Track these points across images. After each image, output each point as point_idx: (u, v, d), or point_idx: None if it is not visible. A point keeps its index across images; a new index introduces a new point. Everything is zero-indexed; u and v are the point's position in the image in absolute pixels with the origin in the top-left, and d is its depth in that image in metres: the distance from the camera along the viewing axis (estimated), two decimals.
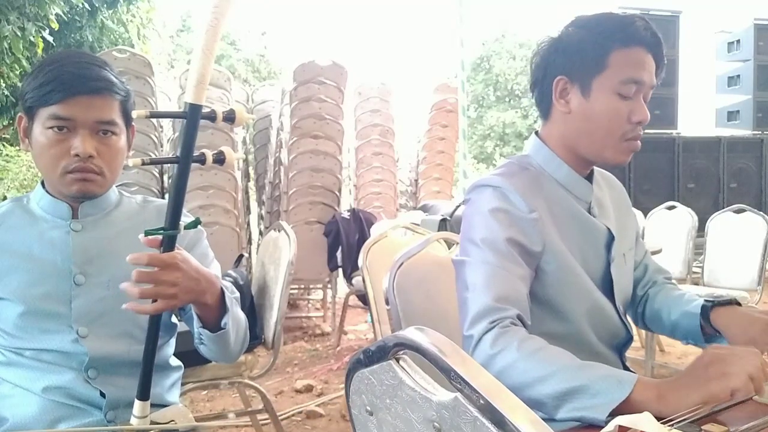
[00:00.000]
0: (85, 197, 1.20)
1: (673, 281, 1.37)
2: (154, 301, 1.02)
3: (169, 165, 1.29)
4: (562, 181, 1.18)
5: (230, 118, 1.00)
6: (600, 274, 1.18)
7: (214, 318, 1.14)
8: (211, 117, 0.99)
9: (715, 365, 0.85)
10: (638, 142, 1.14)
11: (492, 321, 0.98)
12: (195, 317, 1.14)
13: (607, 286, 1.18)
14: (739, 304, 1.17)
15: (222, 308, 1.14)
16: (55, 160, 1.15)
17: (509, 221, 1.08)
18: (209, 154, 1.00)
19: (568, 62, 1.14)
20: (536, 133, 1.23)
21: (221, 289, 1.14)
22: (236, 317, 1.19)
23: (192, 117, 0.96)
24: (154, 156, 3.89)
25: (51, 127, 1.14)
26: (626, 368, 1.21)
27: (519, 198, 1.09)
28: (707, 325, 1.17)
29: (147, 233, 1.01)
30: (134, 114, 0.92)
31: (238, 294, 1.31)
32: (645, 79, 1.11)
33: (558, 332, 1.11)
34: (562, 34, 1.16)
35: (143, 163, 0.97)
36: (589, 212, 1.19)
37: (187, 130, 0.97)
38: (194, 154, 0.99)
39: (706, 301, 1.18)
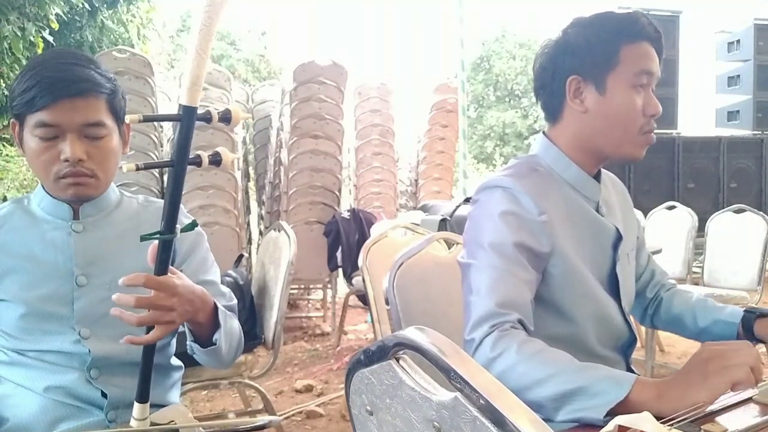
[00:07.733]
0: (81, 200, 1.19)
1: (673, 281, 1.41)
2: (150, 328, 1.02)
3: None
4: (571, 181, 1.17)
5: (226, 118, 0.97)
6: (606, 274, 1.18)
7: (206, 333, 1.14)
8: (207, 118, 0.95)
9: (715, 360, 0.85)
10: (653, 135, 1.16)
11: (493, 325, 0.99)
12: (187, 331, 1.15)
13: (612, 286, 1.18)
14: None
15: (215, 324, 1.14)
16: (47, 166, 1.14)
17: (518, 225, 1.07)
18: (205, 156, 0.97)
19: (579, 62, 1.14)
20: (544, 133, 1.23)
21: (215, 305, 1.14)
22: (229, 331, 1.18)
23: (187, 119, 0.93)
24: (154, 157, 3.88)
25: (39, 134, 1.13)
26: (631, 371, 1.21)
27: (529, 200, 1.09)
28: (746, 334, 1.19)
29: (143, 238, 0.98)
30: (127, 119, 0.90)
31: (235, 301, 1.30)
32: (655, 70, 1.14)
33: (563, 334, 1.11)
34: (567, 36, 1.16)
35: (137, 169, 0.92)
36: (598, 212, 1.19)
37: (181, 133, 0.93)
38: (190, 156, 0.96)
39: (746, 311, 1.20)
